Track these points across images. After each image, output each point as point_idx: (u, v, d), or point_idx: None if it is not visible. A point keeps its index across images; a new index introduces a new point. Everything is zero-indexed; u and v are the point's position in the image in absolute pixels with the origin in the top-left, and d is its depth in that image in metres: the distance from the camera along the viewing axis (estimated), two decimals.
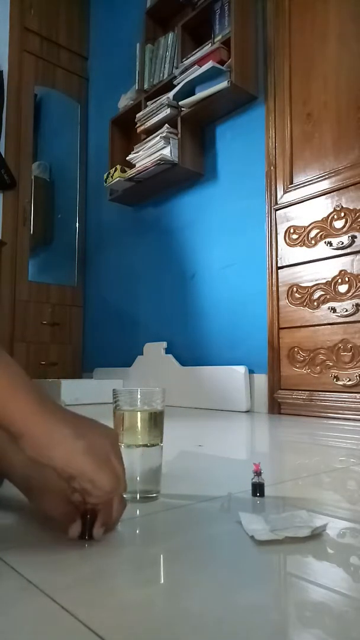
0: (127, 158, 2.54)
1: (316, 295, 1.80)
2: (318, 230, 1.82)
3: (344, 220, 1.74)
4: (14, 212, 2.96)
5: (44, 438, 0.42)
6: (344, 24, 1.81)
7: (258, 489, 0.65)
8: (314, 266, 1.82)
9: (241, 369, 2.02)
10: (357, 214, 1.70)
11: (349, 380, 1.67)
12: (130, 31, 2.88)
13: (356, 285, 1.68)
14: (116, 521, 0.50)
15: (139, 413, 0.63)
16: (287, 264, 1.92)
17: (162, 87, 2.45)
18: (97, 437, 0.46)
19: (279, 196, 1.98)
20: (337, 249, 1.74)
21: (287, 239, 1.93)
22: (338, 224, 1.75)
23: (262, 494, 0.64)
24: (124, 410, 0.63)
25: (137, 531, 0.54)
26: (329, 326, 1.76)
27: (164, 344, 2.46)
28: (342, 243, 1.72)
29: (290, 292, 1.90)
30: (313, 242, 1.83)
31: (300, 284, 1.86)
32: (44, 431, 0.43)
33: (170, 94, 2.30)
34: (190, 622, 0.34)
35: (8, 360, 0.44)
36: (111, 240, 3.03)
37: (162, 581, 0.42)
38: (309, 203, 1.86)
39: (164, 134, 2.30)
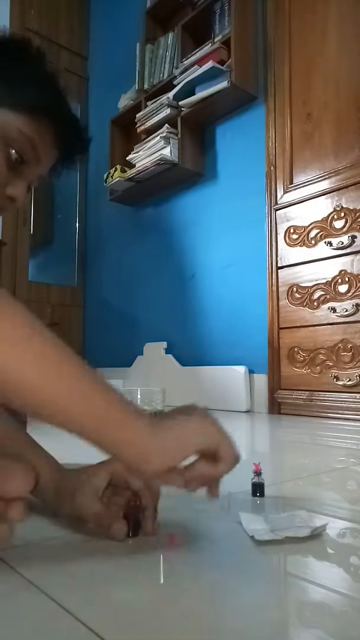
0: (127, 158, 2.54)
1: (316, 295, 1.80)
2: (318, 230, 1.82)
3: (344, 220, 1.74)
4: (14, 212, 2.96)
5: (182, 432, 0.43)
6: (344, 24, 1.81)
7: (258, 489, 0.65)
8: (314, 266, 1.82)
9: (241, 369, 2.02)
10: (357, 214, 1.70)
11: (349, 380, 1.67)
12: (130, 31, 2.88)
13: (356, 285, 1.68)
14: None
15: None
16: (287, 264, 1.92)
17: (162, 87, 2.45)
18: (206, 414, 0.46)
19: (279, 196, 1.98)
20: (337, 249, 1.74)
21: (287, 239, 1.93)
22: (338, 224, 1.75)
23: (262, 494, 0.64)
24: None
25: None
26: (329, 326, 1.76)
27: (164, 344, 2.46)
28: (342, 243, 1.72)
29: (290, 292, 1.90)
30: (313, 242, 1.83)
31: (300, 284, 1.86)
32: (177, 428, 0.43)
33: (170, 94, 2.30)
34: (190, 622, 0.34)
35: (102, 379, 0.43)
36: (111, 241, 3.03)
37: (162, 581, 0.42)
38: (309, 203, 1.86)
39: (164, 134, 2.30)
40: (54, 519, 0.54)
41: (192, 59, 2.24)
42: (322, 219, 1.81)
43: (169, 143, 2.29)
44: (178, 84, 2.28)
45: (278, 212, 1.97)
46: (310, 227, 1.85)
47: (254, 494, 0.65)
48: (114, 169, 2.57)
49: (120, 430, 0.42)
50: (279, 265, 1.95)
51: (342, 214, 1.74)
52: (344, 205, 1.74)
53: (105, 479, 0.51)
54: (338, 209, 1.76)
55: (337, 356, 1.72)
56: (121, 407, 0.42)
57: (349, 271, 1.71)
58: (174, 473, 0.45)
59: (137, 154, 2.47)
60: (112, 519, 0.48)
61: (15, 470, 0.41)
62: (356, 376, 1.65)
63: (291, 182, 1.94)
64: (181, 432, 0.44)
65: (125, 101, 2.75)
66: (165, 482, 0.45)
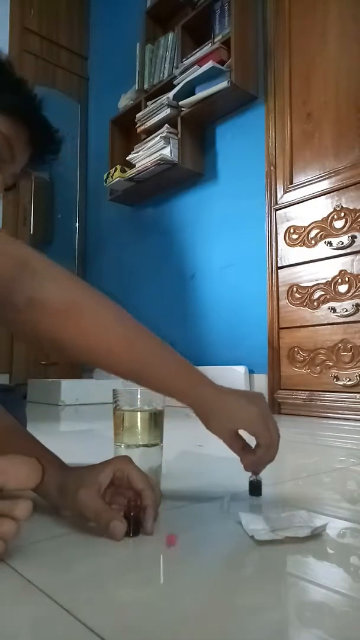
0: (127, 158, 2.54)
1: (316, 295, 1.80)
2: (318, 230, 1.82)
3: (344, 220, 1.74)
4: (14, 212, 2.96)
5: (231, 408, 0.57)
6: (344, 23, 1.81)
7: (255, 487, 0.64)
8: (314, 266, 1.82)
9: (241, 369, 2.02)
10: (357, 214, 1.70)
11: (349, 380, 1.67)
12: (130, 31, 2.88)
13: (356, 285, 1.68)
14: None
15: (139, 413, 0.63)
16: (287, 264, 1.92)
17: (162, 87, 2.45)
18: (259, 402, 0.59)
19: (279, 196, 1.98)
20: (337, 249, 1.74)
21: (287, 239, 1.93)
22: (338, 224, 1.75)
23: (259, 493, 0.64)
24: (124, 410, 0.63)
25: None
26: (329, 326, 1.76)
27: None
28: (342, 243, 1.72)
29: (290, 292, 1.90)
30: (313, 242, 1.83)
31: (300, 284, 1.86)
32: (230, 403, 0.57)
33: (170, 94, 2.30)
34: (190, 622, 0.34)
35: (182, 359, 0.59)
36: (111, 241, 3.03)
37: (162, 581, 0.42)
38: (309, 203, 1.86)
39: (164, 134, 2.30)
40: (55, 518, 0.54)
41: (192, 59, 2.24)
42: (322, 219, 1.81)
43: (169, 143, 2.29)
44: (178, 84, 2.28)
45: (278, 212, 1.97)
46: (310, 227, 1.85)
47: (251, 492, 0.65)
48: (114, 169, 2.57)
49: (191, 389, 0.57)
50: (279, 265, 1.95)
51: (342, 214, 1.74)
52: (344, 205, 1.74)
53: (109, 477, 0.51)
54: (338, 209, 1.76)
55: (337, 356, 1.72)
56: (193, 371, 0.58)
57: (349, 271, 1.71)
58: (235, 439, 0.60)
59: (137, 154, 2.47)
60: (112, 517, 0.48)
61: (22, 464, 0.42)
62: (356, 376, 1.65)
63: (291, 182, 1.94)
64: (232, 413, 0.57)
65: (125, 101, 2.76)
66: (226, 442, 0.60)
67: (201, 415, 0.57)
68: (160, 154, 2.29)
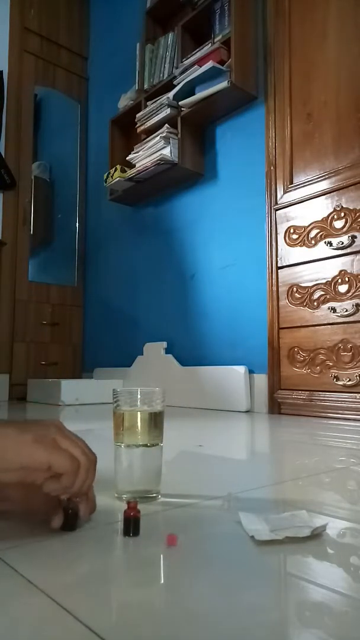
0: (127, 158, 2.54)
1: (316, 295, 1.80)
2: (318, 230, 1.82)
3: (344, 220, 1.74)
4: (14, 212, 2.96)
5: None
6: (344, 24, 1.81)
7: (69, 519, 0.51)
8: (314, 266, 1.82)
9: (241, 369, 2.02)
10: (357, 214, 1.70)
11: (349, 380, 1.67)
12: (130, 31, 2.88)
13: (356, 285, 1.68)
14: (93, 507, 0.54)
15: (139, 413, 0.63)
16: (287, 264, 1.92)
17: (162, 87, 2.45)
18: (40, 428, 0.49)
19: (279, 196, 1.98)
20: (337, 249, 1.74)
21: (287, 239, 1.93)
22: (338, 224, 1.75)
23: (71, 527, 0.51)
24: (124, 410, 0.63)
25: None
26: (329, 326, 1.76)
27: (164, 344, 2.46)
28: (342, 243, 1.72)
29: (290, 292, 1.90)
30: (313, 242, 1.83)
31: (300, 284, 1.86)
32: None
33: (170, 94, 2.30)
34: (190, 622, 0.34)
35: None
36: (111, 241, 3.03)
37: (162, 581, 0.42)
38: (309, 203, 1.86)
39: (164, 134, 2.30)
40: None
41: (192, 59, 2.24)
42: (322, 219, 1.81)
43: (169, 143, 2.29)
44: (178, 84, 2.28)
45: (278, 212, 1.97)
46: (310, 227, 1.85)
47: (63, 526, 0.51)
48: (114, 169, 2.57)
49: None
50: (279, 265, 1.95)
51: (342, 214, 1.74)
52: (344, 205, 1.74)
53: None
54: (338, 209, 1.76)
55: (337, 356, 1.72)
56: None
57: (349, 271, 1.71)
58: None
59: (137, 154, 2.47)
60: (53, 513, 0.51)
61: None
62: (356, 376, 1.65)
63: (291, 182, 1.94)
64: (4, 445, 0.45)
65: (125, 101, 2.76)
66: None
67: None
68: (160, 154, 2.29)
